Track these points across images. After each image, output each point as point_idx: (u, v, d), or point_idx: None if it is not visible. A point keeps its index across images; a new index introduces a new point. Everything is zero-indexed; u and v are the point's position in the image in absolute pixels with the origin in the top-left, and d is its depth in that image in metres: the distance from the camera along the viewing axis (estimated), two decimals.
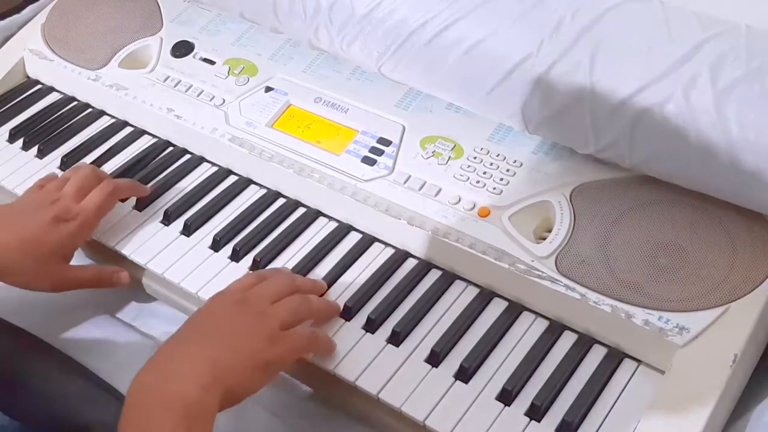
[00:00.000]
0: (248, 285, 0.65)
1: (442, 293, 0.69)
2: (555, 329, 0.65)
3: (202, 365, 0.56)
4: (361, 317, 0.67)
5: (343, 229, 0.74)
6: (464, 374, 0.63)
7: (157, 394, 0.55)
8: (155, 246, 0.75)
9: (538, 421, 0.60)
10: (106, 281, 0.74)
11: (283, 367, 0.62)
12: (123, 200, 0.79)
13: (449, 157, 0.74)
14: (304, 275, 0.71)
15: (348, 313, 0.68)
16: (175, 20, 0.93)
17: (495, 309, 0.67)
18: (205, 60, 0.88)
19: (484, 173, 0.72)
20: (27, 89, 0.94)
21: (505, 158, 0.73)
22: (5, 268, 0.69)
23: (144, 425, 0.53)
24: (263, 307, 0.62)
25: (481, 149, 0.74)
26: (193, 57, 0.89)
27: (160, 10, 0.94)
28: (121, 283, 0.74)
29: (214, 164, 0.82)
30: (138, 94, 0.87)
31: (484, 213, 0.70)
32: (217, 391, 0.56)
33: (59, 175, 0.79)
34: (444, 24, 0.70)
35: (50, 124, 0.89)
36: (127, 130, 0.88)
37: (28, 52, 0.95)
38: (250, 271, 0.71)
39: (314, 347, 0.64)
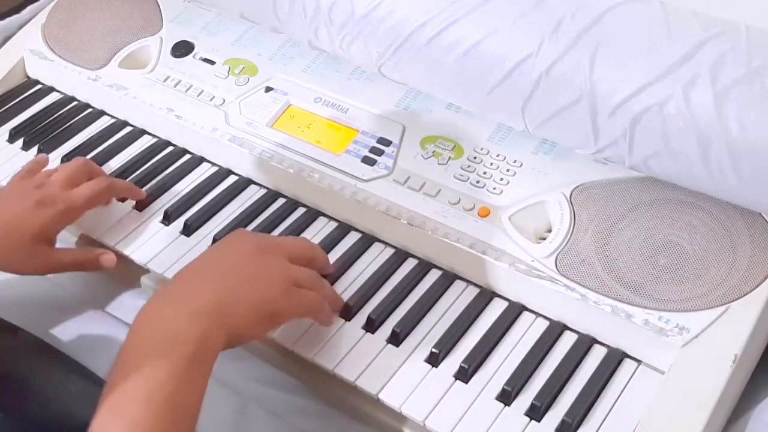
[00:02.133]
0: (272, 236, 0.66)
1: (442, 293, 0.69)
2: (555, 329, 0.65)
3: (213, 305, 0.56)
4: (361, 317, 0.67)
5: (343, 229, 0.74)
6: (464, 374, 0.63)
7: (163, 327, 0.55)
8: (155, 246, 0.75)
9: (538, 421, 0.60)
10: (91, 264, 0.73)
11: (287, 320, 0.63)
12: (122, 200, 0.79)
13: (449, 157, 0.74)
14: None
15: (348, 313, 0.67)
16: (175, 20, 0.93)
17: (495, 309, 0.67)
18: (205, 60, 0.88)
19: (484, 173, 0.72)
20: (27, 89, 0.94)
21: (505, 158, 0.73)
22: None
23: (145, 355, 0.53)
24: (281, 259, 0.63)
25: (481, 149, 0.74)
26: (193, 57, 0.89)
27: (160, 10, 0.94)
28: (107, 265, 0.74)
29: (214, 164, 0.82)
30: (138, 94, 0.87)
31: (484, 213, 0.70)
32: (222, 333, 0.56)
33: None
34: (444, 24, 0.70)
35: (50, 124, 0.89)
36: (127, 130, 0.88)
37: (28, 52, 0.95)
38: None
39: (318, 313, 0.65)
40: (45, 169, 0.77)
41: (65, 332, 0.76)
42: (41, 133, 0.88)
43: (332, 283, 0.70)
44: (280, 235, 0.74)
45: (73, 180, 0.74)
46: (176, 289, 0.58)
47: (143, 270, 0.74)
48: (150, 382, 0.52)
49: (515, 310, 0.67)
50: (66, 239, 0.78)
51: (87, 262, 0.74)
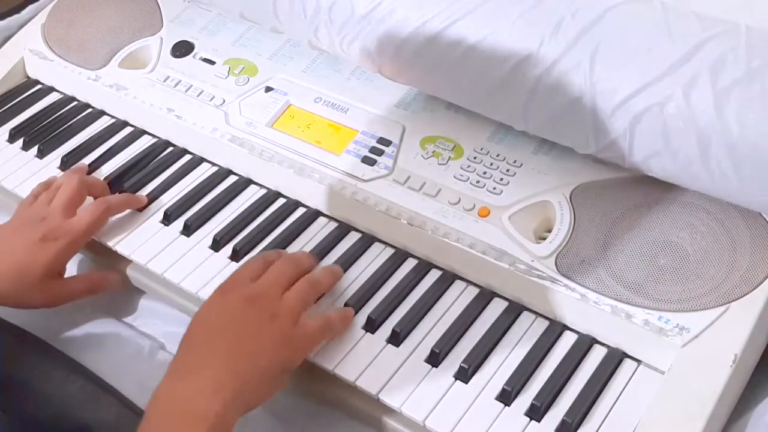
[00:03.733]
0: (254, 273, 0.64)
1: (442, 293, 0.69)
2: (555, 329, 0.65)
3: (226, 379, 0.56)
4: (362, 317, 0.67)
5: (343, 229, 0.74)
6: (464, 374, 0.63)
7: (181, 409, 0.54)
8: (155, 246, 0.75)
9: (538, 421, 0.60)
10: (100, 287, 0.74)
11: (298, 363, 0.62)
12: (114, 214, 0.78)
13: (449, 157, 0.74)
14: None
15: None
16: (175, 20, 0.93)
17: (495, 309, 0.67)
18: (205, 60, 0.88)
19: (484, 173, 0.72)
20: (27, 89, 0.94)
21: (505, 158, 0.73)
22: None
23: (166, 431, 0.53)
24: (275, 302, 0.62)
25: (481, 149, 0.74)
26: (193, 57, 0.89)
27: (160, 10, 0.94)
28: (114, 285, 0.75)
29: (214, 164, 0.82)
30: (138, 94, 0.87)
31: (484, 213, 0.70)
32: (239, 405, 0.56)
33: (57, 177, 0.79)
34: (444, 24, 0.70)
35: (50, 124, 0.89)
36: (127, 130, 0.88)
37: (28, 52, 0.95)
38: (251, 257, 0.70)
39: (329, 334, 0.64)
40: (44, 191, 0.76)
41: (65, 332, 0.76)
42: (41, 133, 0.88)
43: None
44: (280, 235, 0.74)
45: (73, 203, 0.74)
46: (188, 364, 0.58)
47: (143, 270, 0.74)
48: None
49: (515, 310, 0.67)
50: None
51: (96, 287, 0.74)
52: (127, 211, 0.78)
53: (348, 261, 0.72)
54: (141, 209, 0.78)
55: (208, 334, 0.60)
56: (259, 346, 0.59)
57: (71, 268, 0.78)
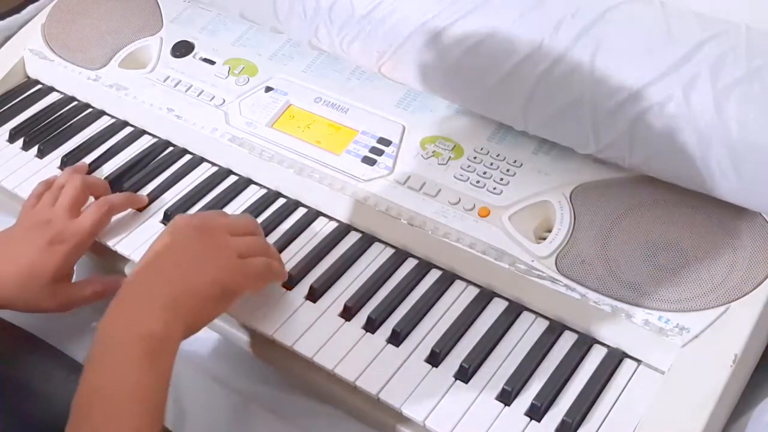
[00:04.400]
0: (211, 215, 0.68)
1: (442, 293, 0.69)
2: (555, 329, 0.65)
3: (164, 301, 0.59)
4: (361, 317, 0.67)
5: (343, 229, 0.74)
6: (464, 374, 0.63)
7: (122, 333, 0.57)
8: None
9: (538, 421, 0.60)
10: (110, 292, 0.74)
11: (239, 294, 0.64)
12: (117, 213, 0.78)
13: (449, 157, 0.74)
14: (304, 275, 0.71)
15: (348, 313, 0.67)
16: (175, 20, 0.93)
17: (495, 309, 0.67)
18: (205, 60, 0.88)
19: (484, 173, 0.72)
20: (27, 89, 0.94)
21: (505, 158, 0.73)
22: (7, 299, 0.69)
23: (109, 363, 0.56)
24: (222, 236, 0.65)
25: (481, 149, 0.74)
26: (193, 57, 0.89)
27: (160, 10, 0.94)
28: None
29: (214, 164, 0.82)
30: (138, 94, 0.87)
31: (484, 213, 0.70)
32: (179, 324, 0.59)
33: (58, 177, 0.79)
34: (444, 24, 0.70)
35: (50, 124, 0.89)
36: (127, 130, 0.88)
37: (28, 52, 0.95)
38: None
39: (270, 275, 0.67)
40: (45, 190, 0.76)
41: (65, 332, 0.76)
42: (41, 133, 0.88)
43: (332, 283, 0.70)
44: (281, 235, 0.74)
45: (77, 204, 0.74)
46: (133, 289, 0.60)
47: None
48: (118, 379, 0.55)
49: (515, 310, 0.67)
50: None
51: (106, 291, 0.74)
52: (128, 211, 0.78)
53: (348, 261, 0.72)
54: (141, 209, 0.78)
55: (153, 258, 0.63)
56: (201, 268, 0.62)
57: (76, 269, 0.78)
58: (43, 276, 0.69)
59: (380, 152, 0.76)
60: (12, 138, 0.88)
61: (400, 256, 0.72)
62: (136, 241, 0.75)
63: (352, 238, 0.74)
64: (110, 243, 0.76)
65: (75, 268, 0.76)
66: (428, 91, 0.77)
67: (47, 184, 0.77)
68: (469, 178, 0.72)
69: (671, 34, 0.63)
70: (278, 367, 0.69)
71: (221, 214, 0.69)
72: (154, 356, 0.56)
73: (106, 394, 0.54)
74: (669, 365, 0.60)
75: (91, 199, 0.77)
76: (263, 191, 0.79)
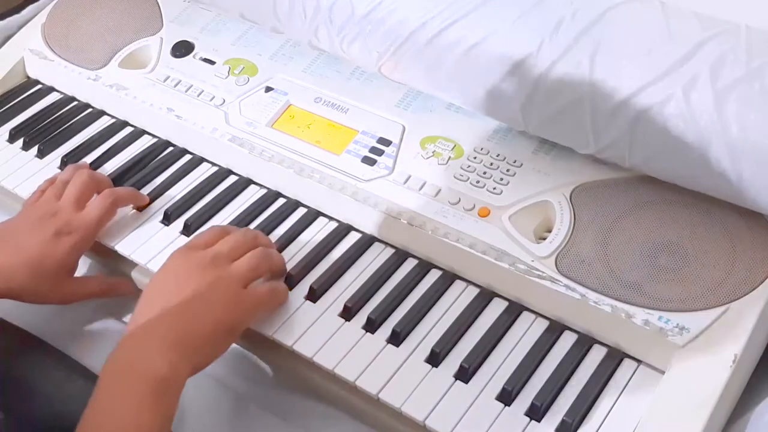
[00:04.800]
0: (210, 241, 0.67)
1: (442, 293, 0.69)
2: (555, 329, 0.65)
3: (169, 342, 0.58)
4: (361, 317, 0.67)
5: (343, 229, 0.74)
6: (464, 374, 0.63)
7: (127, 373, 0.56)
8: (155, 246, 0.75)
9: (538, 421, 0.60)
10: (111, 292, 0.75)
11: (245, 326, 0.64)
12: (120, 207, 0.78)
13: (449, 157, 0.74)
14: (304, 275, 0.71)
15: (348, 313, 0.67)
16: (175, 20, 0.93)
17: (495, 309, 0.67)
18: (205, 60, 0.88)
19: (484, 173, 0.72)
20: (27, 89, 0.94)
21: (505, 158, 0.73)
22: (12, 289, 0.69)
23: (113, 403, 0.55)
24: (224, 267, 0.64)
25: (481, 149, 0.74)
26: (193, 57, 0.89)
27: (160, 10, 0.94)
28: (127, 293, 0.75)
29: (214, 164, 0.82)
30: (138, 94, 0.87)
31: (484, 213, 0.70)
32: (184, 365, 0.58)
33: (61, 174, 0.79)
34: (444, 24, 0.70)
35: (50, 124, 0.89)
36: (127, 130, 0.88)
37: (28, 52, 0.95)
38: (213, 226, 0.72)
39: (274, 303, 0.67)
40: (51, 184, 0.76)
41: (66, 333, 0.76)
42: (41, 133, 0.88)
43: (332, 283, 0.70)
44: (282, 235, 0.74)
45: (83, 198, 0.74)
46: (138, 329, 0.60)
47: (143, 270, 0.74)
48: (121, 419, 0.54)
49: (515, 310, 0.67)
50: None
51: (109, 290, 0.75)
52: (129, 211, 0.78)
53: (348, 261, 0.72)
54: (141, 209, 0.78)
55: (157, 297, 0.62)
56: (206, 308, 0.61)
57: (79, 271, 0.78)
58: (49, 267, 0.70)
59: (380, 152, 0.76)
60: (12, 138, 0.88)
61: (400, 256, 0.72)
62: (137, 241, 0.75)
63: (352, 238, 0.74)
64: (111, 243, 0.76)
65: (79, 269, 0.76)
66: (428, 91, 0.77)
67: (51, 182, 0.77)
68: (469, 178, 0.72)
69: (671, 34, 0.63)
70: (278, 367, 0.69)
71: (219, 234, 0.68)
72: (159, 397, 0.56)
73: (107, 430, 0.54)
74: (669, 365, 0.60)
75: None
76: (263, 191, 0.79)
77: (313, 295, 0.69)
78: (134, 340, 0.59)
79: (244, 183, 0.80)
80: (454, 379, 0.63)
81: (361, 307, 0.68)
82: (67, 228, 0.71)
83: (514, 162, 0.73)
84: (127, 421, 0.54)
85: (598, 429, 0.59)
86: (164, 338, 0.58)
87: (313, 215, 0.76)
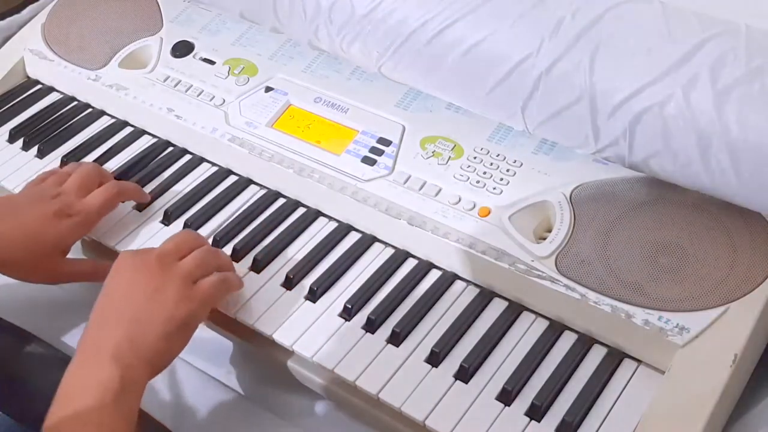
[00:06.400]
0: (152, 249, 0.66)
1: (442, 293, 0.69)
2: (555, 329, 0.65)
3: (123, 345, 0.58)
4: (361, 317, 0.67)
5: (343, 229, 0.74)
6: (464, 374, 0.63)
7: (84, 380, 0.56)
8: (155, 245, 0.74)
9: (538, 421, 0.60)
10: (102, 276, 0.74)
11: (200, 320, 0.64)
12: (123, 200, 0.79)
13: (449, 157, 0.74)
14: (304, 275, 0.71)
15: (348, 313, 0.68)
16: (175, 20, 0.93)
17: (495, 309, 0.67)
18: (205, 60, 0.88)
19: (484, 173, 0.72)
20: (27, 89, 0.94)
21: (505, 158, 0.73)
22: (6, 260, 0.69)
23: (73, 410, 0.55)
24: (171, 264, 0.63)
25: (481, 149, 0.74)
26: (193, 57, 0.89)
27: (160, 10, 0.94)
28: None
29: (214, 164, 0.82)
30: (138, 94, 0.87)
31: (484, 213, 0.70)
32: (141, 366, 0.58)
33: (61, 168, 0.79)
34: (444, 24, 0.70)
35: (50, 124, 0.89)
36: (127, 130, 0.88)
37: (28, 52, 0.95)
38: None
39: (225, 291, 0.66)
40: (53, 173, 0.76)
41: (67, 333, 0.76)
42: (41, 133, 0.88)
43: (333, 283, 0.70)
44: (280, 235, 0.74)
45: (86, 187, 0.74)
46: (91, 336, 0.60)
47: None
48: (82, 426, 0.54)
49: (515, 310, 0.67)
50: None
51: (99, 273, 0.74)
52: (128, 211, 0.78)
53: (348, 261, 0.72)
54: (141, 209, 0.78)
55: (107, 303, 0.62)
56: (156, 306, 0.61)
57: None
58: (43, 245, 0.70)
59: (380, 152, 0.76)
60: (12, 138, 0.88)
61: (400, 256, 0.72)
62: (137, 240, 0.75)
63: (352, 238, 0.74)
64: (111, 243, 0.76)
65: None
66: (428, 91, 0.77)
67: (52, 172, 0.77)
68: (469, 178, 0.72)
69: (671, 34, 0.63)
70: (278, 367, 0.69)
71: (164, 243, 0.67)
72: (118, 400, 0.55)
73: None
74: (669, 365, 0.60)
75: None
76: (263, 191, 0.79)
77: (313, 295, 0.69)
78: (87, 347, 0.59)
79: (244, 183, 0.80)
80: (454, 379, 0.63)
81: (361, 307, 0.68)
82: (68, 210, 0.71)
83: (514, 162, 0.73)
84: (88, 427, 0.54)
85: (598, 429, 0.59)
86: (118, 345, 0.58)
87: (313, 215, 0.76)
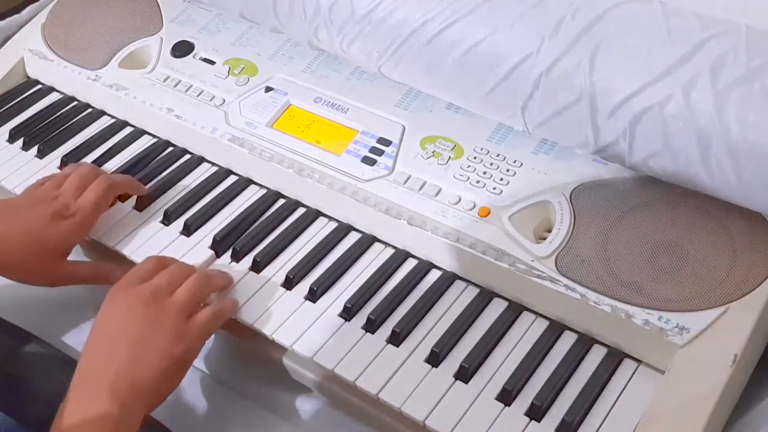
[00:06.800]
0: (147, 274, 0.65)
1: (442, 293, 0.69)
2: (555, 329, 0.65)
3: (120, 384, 0.57)
4: (361, 317, 0.67)
5: (343, 229, 0.74)
6: (464, 374, 0.63)
7: (80, 418, 0.56)
8: (155, 246, 0.75)
9: (538, 421, 0.60)
10: (102, 279, 0.74)
11: (196, 354, 0.64)
12: (123, 200, 0.79)
13: (449, 157, 0.74)
14: (304, 275, 0.71)
15: (348, 313, 0.68)
16: (175, 20, 0.93)
17: (495, 309, 0.67)
18: (205, 60, 0.88)
19: (484, 173, 0.72)
20: (27, 89, 0.94)
21: (505, 158, 0.73)
22: (6, 263, 0.69)
23: None
24: (164, 300, 0.63)
25: (481, 149, 0.74)
26: (193, 57, 0.89)
27: (160, 10, 0.94)
28: (118, 279, 0.74)
29: (214, 164, 0.82)
30: (138, 94, 0.87)
31: (484, 213, 0.70)
32: (138, 403, 0.58)
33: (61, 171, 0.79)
34: (444, 24, 0.70)
35: (50, 124, 0.89)
36: (127, 130, 0.88)
37: (28, 52, 0.95)
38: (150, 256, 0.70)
39: (221, 322, 0.66)
40: (52, 177, 0.76)
41: (68, 334, 0.76)
42: (41, 133, 0.88)
43: (333, 283, 0.70)
44: (280, 235, 0.74)
45: (83, 188, 0.74)
46: (86, 374, 0.59)
47: None
48: None
49: (515, 310, 0.67)
50: None
51: (99, 276, 0.74)
52: (128, 211, 0.78)
53: (348, 261, 0.72)
54: (141, 209, 0.78)
55: (102, 341, 0.61)
56: (151, 347, 0.60)
57: None
58: (43, 247, 0.70)
59: (380, 152, 0.76)
60: (12, 138, 0.88)
61: (400, 256, 0.72)
62: (137, 241, 0.75)
63: (352, 238, 0.74)
64: (111, 243, 0.76)
65: None
66: (428, 91, 0.77)
67: (51, 176, 0.77)
68: (469, 178, 0.72)
69: (671, 34, 0.63)
70: (278, 367, 0.69)
71: (156, 265, 0.66)
72: None
73: None
74: (669, 365, 0.60)
75: None
76: (263, 191, 0.79)
77: (314, 295, 0.69)
78: (82, 385, 0.58)
79: (244, 183, 0.80)
80: (454, 379, 0.63)
81: (361, 307, 0.68)
82: (65, 211, 0.71)
83: (514, 162, 0.73)
84: None
85: (598, 429, 0.59)
86: (114, 387, 0.57)
87: (313, 215, 0.76)
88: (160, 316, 0.62)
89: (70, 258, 0.74)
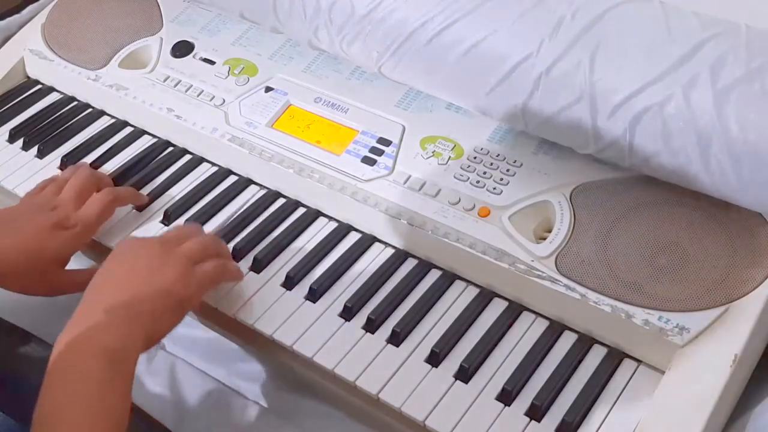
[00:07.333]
0: (154, 237, 0.67)
1: (442, 293, 0.69)
2: (555, 329, 0.65)
3: (119, 315, 0.58)
4: (361, 317, 0.67)
5: (343, 229, 0.74)
6: (464, 374, 0.63)
7: (79, 349, 0.56)
8: None
9: (538, 421, 0.60)
10: None
11: (194, 304, 0.64)
12: (120, 206, 0.78)
13: (449, 157, 0.74)
14: (304, 275, 0.71)
15: (348, 313, 0.68)
16: (175, 20, 0.93)
17: (495, 309, 0.67)
18: (205, 60, 0.88)
19: (484, 173, 0.72)
20: (27, 89, 0.94)
21: (505, 158, 0.73)
22: (5, 274, 0.69)
23: (68, 381, 0.54)
24: (170, 245, 0.64)
25: (481, 149, 0.74)
26: (193, 57, 0.89)
27: (160, 10, 0.94)
28: None
29: (214, 164, 0.82)
30: (138, 94, 0.87)
31: (484, 213, 0.70)
32: (135, 337, 0.58)
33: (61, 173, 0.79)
34: (444, 24, 0.70)
35: (50, 124, 0.89)
36: (127, 130, 0.88)
37: (28, 52, 0.95)
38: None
39: (224, 277, 0.67)
40: (51, 181, 0.76)
41: (63, 329, 0.76)
42: (41, 133, 0.88)
43: (333, 283, 0.70)
44: (280, 235, 0.74)
45: (83, 195, 0.74)
46: (87, 305, 0.60)
47: None
48: (77, 396, 0.54)
49: (515, 310, 0.67)
50: None
51: None
52: (129, 211, 0.78)
53: (348, 261, 0.72)
54: (141, 209, 0.78)
55: (105, 279, 0.62)
56: (155, 280, 0.61)
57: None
58: (43, 258, 0.69)
59: (380, 152, 0.76)
60: (12, 138, 0.88)
61: (400, 256, 0.72)
62: None
63: (352, 238, 0.74)
64: (111, 243, 0.76)
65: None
66: (428, 91, 0.77)
67: (51, 180, 0.77)
68: (469, 178, 0.72)
69: (671, 34, 0.63)
70: (278, 367, 0.69)
71: (169, 230, 0.68)
72: (113, 370, 0.55)
73: (66, 412, 0.53)
74: (669, 365, 0.60)
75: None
76: (263, 191, 0.79)
77: (314, 295, 0.69)
78: (83, 316, 0.59)
79: (244, 183, 0.80)
80: (454, 379, 0.63)
81: (361, 307, 0.68)
82: (65, 222, 0.71)
83: (514, 162, 0.73)
84: (83, 397, 0.54)
85: (598, 429, 0.59)
86: (112, 311, 0.58)
87: (313, 215, 0.76)
88: (167, 260, 0.63)
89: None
